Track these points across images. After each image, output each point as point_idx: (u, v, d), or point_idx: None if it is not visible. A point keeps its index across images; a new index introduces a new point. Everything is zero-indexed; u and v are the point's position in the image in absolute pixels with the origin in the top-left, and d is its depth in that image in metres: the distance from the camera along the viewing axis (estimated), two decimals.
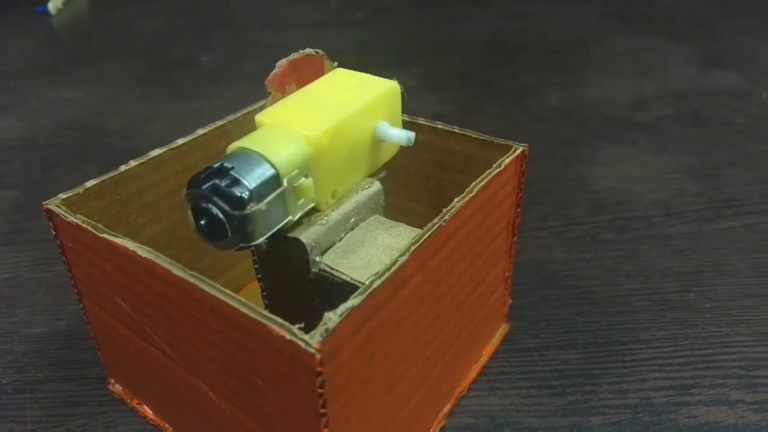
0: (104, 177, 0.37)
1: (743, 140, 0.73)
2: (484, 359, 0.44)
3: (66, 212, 0.33)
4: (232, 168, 0.28)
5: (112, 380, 0.43)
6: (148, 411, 0.41)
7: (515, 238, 0.42)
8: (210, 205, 0.27)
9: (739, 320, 0.48)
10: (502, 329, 0.47)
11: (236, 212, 0.27)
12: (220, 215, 0.27)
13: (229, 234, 0.28)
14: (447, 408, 0.40)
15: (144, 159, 0.39)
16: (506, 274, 0.43)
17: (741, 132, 0.75)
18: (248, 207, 0.28)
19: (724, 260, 0.54)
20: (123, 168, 0.38)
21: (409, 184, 0.46)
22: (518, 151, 0.38)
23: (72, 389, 0.43)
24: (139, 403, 0.41)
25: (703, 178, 0.66)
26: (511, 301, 0.46)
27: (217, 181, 0.28)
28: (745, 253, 0.55)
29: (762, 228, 0.58)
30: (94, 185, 0.36)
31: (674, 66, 0.94)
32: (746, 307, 0.49)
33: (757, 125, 0.77)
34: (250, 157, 0.29)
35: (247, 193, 0.28)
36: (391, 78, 0.36)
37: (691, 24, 1.11)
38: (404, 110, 0.38)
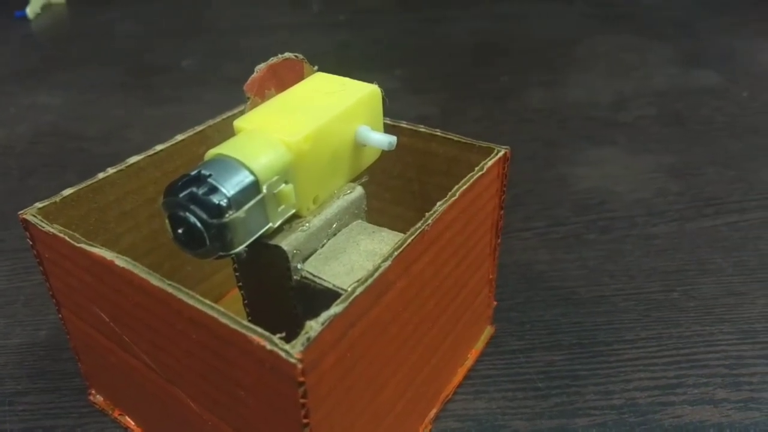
0: (81, 185, 0.36)
1: (723, 139, 0.74)
2: (469, 362, 0.44)
3: (42, 222, 0.33)
4: (210, 175, 0.27)
5: (93, 391, 0.42)
6: (129, 422, 0.40)
7: (499, 240, 0.42)
8: (187, 213, 0.27)
9: (722, 319, 0.48)
10: (488, 331, 0.47)
11: (214, 220, 0.27)
12: (198, 224, 0.27)
13: (208, 243, 0.27)
14: (433, 413, 0.40)
15: (122, 166, 0.38)
16: (491, 276, 0.43)
17: (721, 131, 0.76)
18: (227, 215, 0.27)
19: (707, 259, 0.54)
20: (101, 175, 0.37)
21: (392, 187, 0.46)
22: (500, 154, 0.38)
23: (52, 401, 0.43)
24: (120, 414, 0.41)
25: (684, 177, 0.66)
26: (496, 303, 0.46)
27: (194, 189, 0.27)
28: (728, 251, 0.55)
29: (743, 226, 0.58)
30: (71, 193, 0.36)
31: (655, 65, 0.95)
32: (729, 306, 0.49)
33: (737, 124, 0.77)
34: (228, 164, 0.28)
35: (225, 200, 0.27)
36: (373, 81, 0.36)
37: (671, 24, 1.12)
38: (388, 113, 0.38)
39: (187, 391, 0.31)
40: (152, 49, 1.07)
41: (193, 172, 0.28)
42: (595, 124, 0.78)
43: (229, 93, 0.87)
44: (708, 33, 1.07)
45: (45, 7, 1.28)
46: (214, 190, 0.27)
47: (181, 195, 0.27)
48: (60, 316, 0.38)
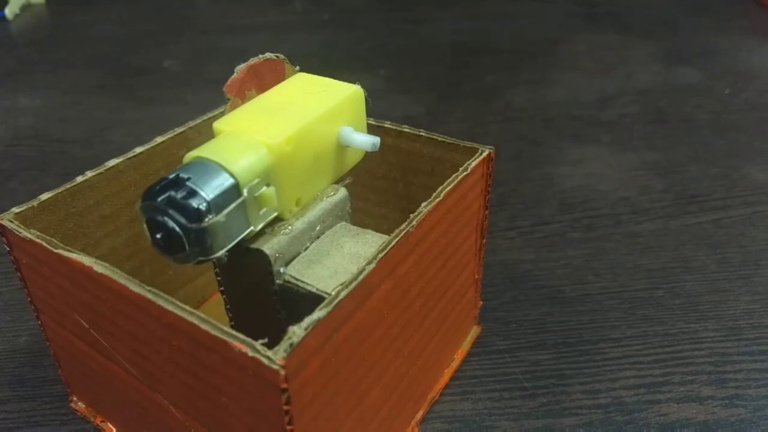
0: (59, 189, 0.36)
1: (706, 136, 0.74)
2: (456, 363, 0.44)
3: (19, 227, 0.32)
4: (189, 178, 0.27)
5: (75, 398, 0.41)
6: (111, 429, 0.40)
7: (484, 240, 0.42)
8: (166, 218, 0.26)
9: (707, 316, 0.48)
10: (474, 332, 0.46)
11: (193, 225, 0.26)
12: (177, 229, 0.26)
13: (187, 248, 0.27)
14: (420, 415, 0.40)
15: (101, 169, 0.37)
16: (476, 276, 0.43)
17: (704, 128, 0.76)
18: (206, 219, 0.27)
19: (692, 256, 0.54)
20: (79, 179, 0.37)
21: (377, 188, 0.46)
22: (484, 154, 0.38)
23: (33, 408, 0.42)
24: (102, 421, 0.40)
25: (668, 174, 0.67)
26: (482, 303, 0.46)
27: (172, 193, 0.26)
28: (712, 248, 0.55)
29: (727, 223, 0.59)
30: (49, 198, 0.35)
31: (637, 64, 0.95)
32: (714, 303, 0.49)
33: (719, 121, 0.78)
34: (208, 167, 0.28)
35: (204, 204, 0.27)
36: (357, 81, 0.35)
37: (653, 22, 1.12)
38: (372, 113, 0.37)
39: (170, 398, 0.31)
40: (134, 49, 1.06)
41: (172, 176, 0.27)
42: (579, 123, 0.78)
43: (212, 93, 0.86)
44: (690, 31, 1.08)
45: (24, 8, 1.26)
46: (193, 193, 0.27)
47: (159, 199, 0.27)
48: (39, 322, 0.38)
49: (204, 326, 0.24)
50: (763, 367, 0.44)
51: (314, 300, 0.29)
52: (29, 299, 0.37)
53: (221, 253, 0.28)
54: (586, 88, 0.88)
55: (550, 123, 0.78)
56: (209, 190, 0.27)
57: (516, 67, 0.95)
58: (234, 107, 0.33)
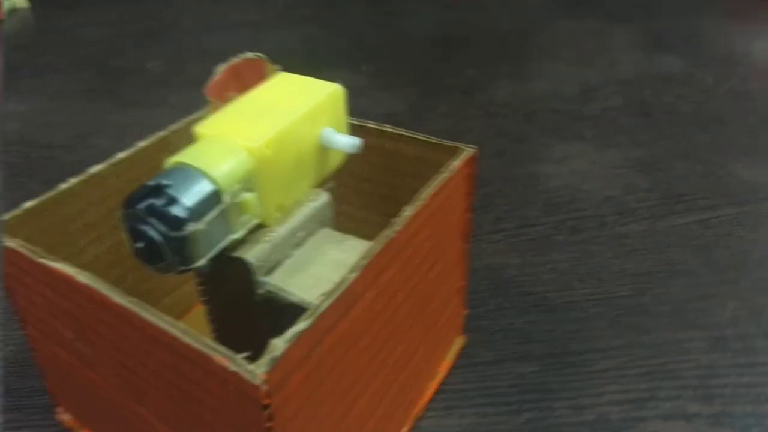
0: (43, 197, 0.35)
1: (689, 128, 0.73)
2: (440, 376, 0.43)
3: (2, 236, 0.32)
4: (169, 185, 0.27)
5: (60, 409, 0.41)
6: None
7: (469, 245, 0.42)
8: (145, 226, 0.26)
9: (693, 325, 0.47)
10: (458, 342, 0.46)
11: (174, 233, 0.26)
12: (157, 237, 0.26)
13: (167, 256, 0.26)
14: (404, 430, 0.39)
15: (84, 176, 0.37)
16: (461, 283, 0.43)
17: (687, 120, 0.75)
18: (186, 227, 0.26)
19: (678, 259, 0.54)
20: (62, 186, 0.36)
21: (360, 190, 0.45)
22: (468, 154, 0.37)
23: (19, 419, 0.41)
24: None
25: (652, 172, 0.66)
26: (467, 311, 0.46)
27: (152, 201, 0.26)
28: (699, 250, 0.55)
29: (714, 223, 0.58)
30: (33, 206, 0.35)
31: (619, 51, 0.94)
32: (700, 310, 0.49)
33: (702, 111, 0.77)
34: (188, 173, 0.27)
35: (184, 212, 0.26)
36: (339, 78, 0.35)
37: (634, 5, 1.11)
38: (355, 111, 0.36)
39: (153, 411, 0.31)
40: (118, 52, 1.05)
41: (152, 183, 0.27)
42: (562, 117, 0.77)
43: (196, 94, 0.85)
44: (672, 14, 1.06)
45: (9, 13, 1.25)
46: (173, 201, 0.26)
47: (138, 207, 0.26)
48: (24, 332, 0.37)
49: (185, 338, 0.24)
50: (749, 382, 0.43)
51: (297, 310, 0.29)
52: (14, 309, 0.36)
53: (203, 261, 0.28)
54: (568, 79, 0.86)
55: (532, 117, 0.77)
56: (190, 197, 0.27)
57: (498, 59, 0.94)
58: (215, 109, 0.33)
